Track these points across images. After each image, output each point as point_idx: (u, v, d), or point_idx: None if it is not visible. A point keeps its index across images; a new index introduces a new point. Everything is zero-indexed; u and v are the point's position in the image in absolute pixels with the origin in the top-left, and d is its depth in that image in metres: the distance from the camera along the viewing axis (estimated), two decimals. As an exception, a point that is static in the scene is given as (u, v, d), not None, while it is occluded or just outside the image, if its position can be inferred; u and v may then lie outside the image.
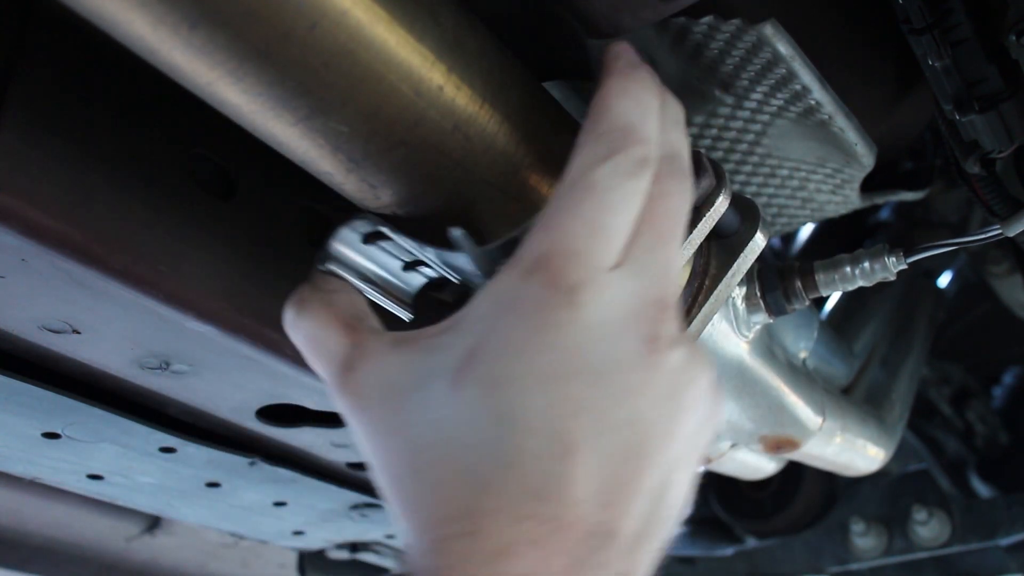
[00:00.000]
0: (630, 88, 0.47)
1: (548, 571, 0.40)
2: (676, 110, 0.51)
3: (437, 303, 0.77)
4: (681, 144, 0.50)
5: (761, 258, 0.63)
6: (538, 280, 0.43)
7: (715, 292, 0.60)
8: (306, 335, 0.51)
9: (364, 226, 0.52)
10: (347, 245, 0.53)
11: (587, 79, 0.61)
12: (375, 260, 0.55)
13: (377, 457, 0.46)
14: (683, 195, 0.48)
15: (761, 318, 0.72)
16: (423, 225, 0.51)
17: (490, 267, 0.48)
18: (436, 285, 0.60)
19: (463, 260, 0.51)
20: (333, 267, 0.53)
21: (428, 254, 0.53)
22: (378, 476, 0.46)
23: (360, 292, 0.55)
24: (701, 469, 0.50)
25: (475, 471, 0.41)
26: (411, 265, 0.57)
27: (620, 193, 0.44)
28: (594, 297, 0.43)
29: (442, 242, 0.50)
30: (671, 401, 0.45)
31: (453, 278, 0.55)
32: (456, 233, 0.47)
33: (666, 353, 0.44)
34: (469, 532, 0.40)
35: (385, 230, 0.51)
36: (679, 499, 0.47)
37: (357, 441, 0.48)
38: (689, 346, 0.47)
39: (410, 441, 0.44)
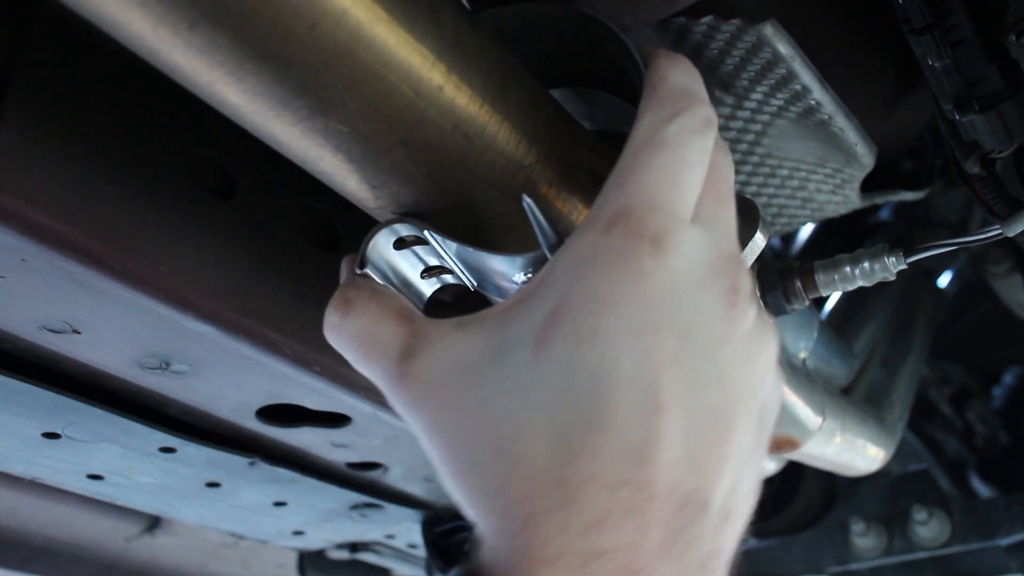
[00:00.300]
0: (680, 61, 0.49)
1: (646, 543, 0.38)
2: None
3: (439, 305, 0.78)
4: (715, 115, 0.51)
5: (761, 258, 0.63)
6: (620, 232, 0.41)
7: (715, 292, 0.60)
8: (356, 332, 0.48)
9: (404, 229, 0.52)
10: (381, 249, 0.53)
11: (600, 87, 0.61)
12: (400, 265, 0.55)
13: (447, 445, 0.43)
14: (731, 165, 0.49)
15: (761, 318, 0.72)
16: (450, 222, 0.51)
17: (555, 240, 0.47)
18: (444, 289, 0.59)
19: (487, 259, 0.51)
20: (371, 271, 0.52)
21: (450, 253, 0.52)
22: (447, 466, 0.43)
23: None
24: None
25: (566, 436, 0.39)
26: (431, 271, 0.56)
27: (690, 149, 0.44)
28: (678, 246, 0.42)
29: (473, 240, 0.50)
30: (749, 363, 0.44)
31: (469, 280, 0.55)
32: (528, 201, 0.46)
33: (744, 309, 0.43)
34: (563, 504, 0.38)
35: (425, 234, 0.51)
36: (756, 476, 0.46)
37: (418, 434, 0.45)
38: (761, 309, 0.46)
39: (490, 418, 0.41)
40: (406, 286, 0.55)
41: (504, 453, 0.40)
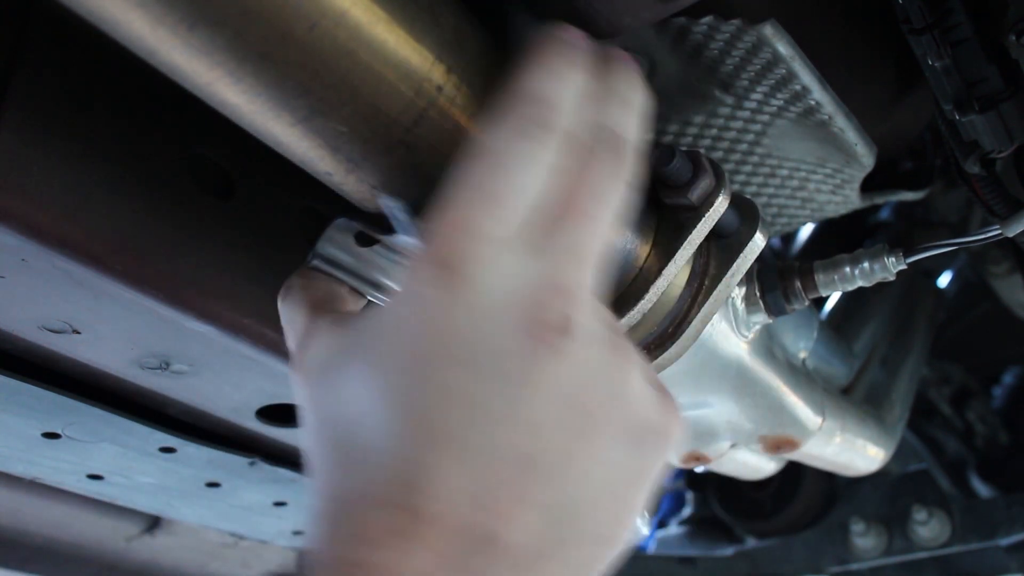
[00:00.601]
0: (546, 61, 0.43)
1: (412, 565, 0.37)
2: (625, 91, 0.47)
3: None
4: (622, 122, 0.45)
5: (761, 258, 0.63)
6: (425, 255, 0.40)
7: (715, 292, 0.60)
8: (284, 318, 0.53)
9: (351, 226, 0.53)
10: (336, 246, 0.54)
11: None
12: (373, 262, 0.56)
13: (303, 431, 0.46)
14: (613, 175, 0.44)
15: (761, 318, 0.72)
16: (408, 222, 0.51)
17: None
18: None
19: None
20: (319, 264, 0.55)
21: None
22: (304, 449, 0.46)
23: (350, 285, 0.56)
24: (700, 469, 0.49)
25: (346, 454, 0.41)
26: None
27: (511, 155, 0.41)
28: (478, 272, 0.39)
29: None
30: (573, 406, 0.41)
31: None
32: (387, 201, 0.46)
33: (557, 343, 0.40)
34: (335, 513, 0.40)
35: (372, 232, 0.52)
36: (605, 526, 0.43)
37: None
38: (605, 345, 0.42)
39: (324, 418, 0.44)
40: (375, 282, 0.57)
41: (320, 457, 0.43)
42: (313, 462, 0.44)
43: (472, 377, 0.39)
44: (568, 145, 0.42)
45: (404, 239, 0.51)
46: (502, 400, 0.39)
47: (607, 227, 0.44)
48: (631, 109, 0.46)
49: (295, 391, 0.48)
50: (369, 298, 0.57)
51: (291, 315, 0.52)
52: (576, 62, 0.44)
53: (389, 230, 0.50)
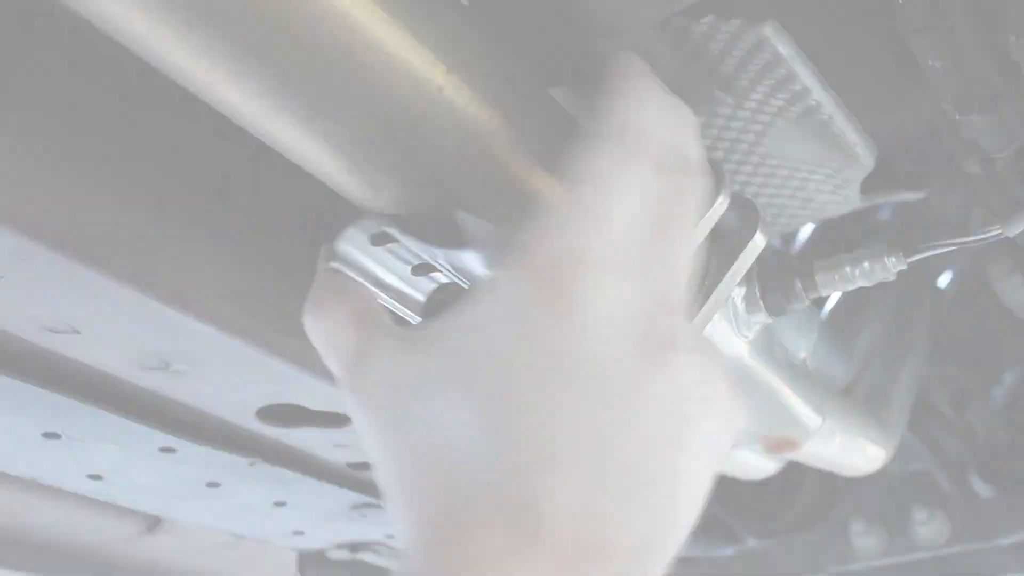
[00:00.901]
0: (637, 90, 0.47)
1: None
2: (685, 114, 0.50)
3: (444, 308, 0.77)
4: (689, 145, 0.49)
5: (761, 258, 0.63)
6: (533, 280, 0.40)
7: (715, 293, 0.60)
8: (321, 334, 0.51)
9: (371, 226, 0.52)
10: (354, 245, 0.53)
11: (587, 84, 0.61)
12: (384, 263, 0.55)
13: (378, 455, 0.46)
14: (690, 194, 0.47)
15: (761, 318, 0.72)
16: (425, 225, 0.51)
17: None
18: (443, 288, 0.59)
19: (470, 260, 0.51)
20: (338, 265, 0.53)
21: (437, 256, 0.53)
22: (378, 474, 0.46)
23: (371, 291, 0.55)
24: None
25: (464, 478, 0.40)
26: (420, 269, 0.56)
27: (624, 189, 0.43)
28: (591, 298, 0.40)
29: (448, 242, 0.50)
30: (674, 410, 0.43)
31: (461, 281, 0.55)
32: (465, 218, 0.46)
33: (665, 356, 0.42)
34: (454, 538, 0.39)
35: (391, 231, 0.51)
36: (691, 511, 0.46)
37: (361, 438, 0.47)
38: (698, 351, 0.44)
39: (409, 441, 0.43)
40: (396, 286, 0.56)
41: (416, 477, 0.42)
42: (394, 488, 0.44)
43: (584, 398, 0.40)
44: (659, 170, 0.45)
45: (419, 243, 0.51)
46: (613, 417, 0.40)
47: (690, 243, 0.47)
48: (692, 131, 0.49)
49: (352, 413, 0.47)
50: (391, 309, 0.56)
51: (331, 330, 0.50)
52: (658, 90, 0.48)
53: (413, 231, 0.50)
